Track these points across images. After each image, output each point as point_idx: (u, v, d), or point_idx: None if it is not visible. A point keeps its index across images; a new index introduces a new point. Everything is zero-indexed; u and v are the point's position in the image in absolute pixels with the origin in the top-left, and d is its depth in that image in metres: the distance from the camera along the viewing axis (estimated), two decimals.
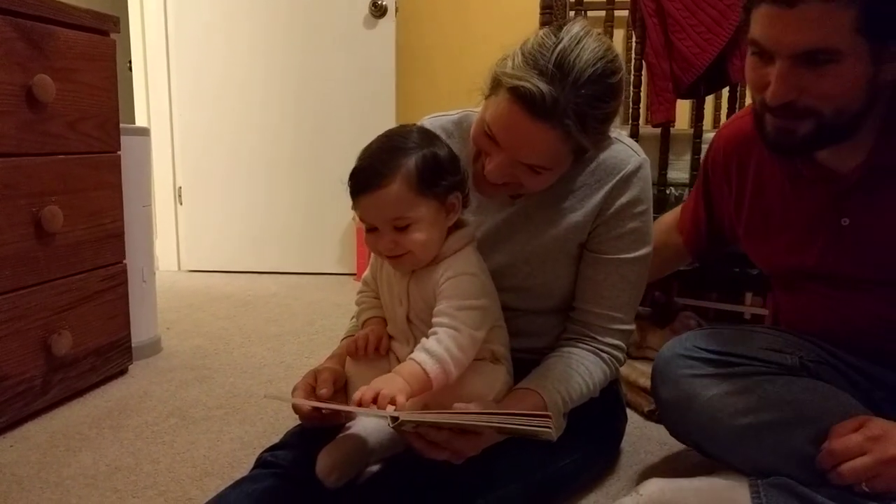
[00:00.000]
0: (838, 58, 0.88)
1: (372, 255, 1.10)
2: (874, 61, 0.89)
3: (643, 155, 1.10)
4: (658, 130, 1.90)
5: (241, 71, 2.81)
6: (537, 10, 1.87)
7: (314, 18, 2.75)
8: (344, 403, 0.98)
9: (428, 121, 1.16)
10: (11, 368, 1.37)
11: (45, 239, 1.43)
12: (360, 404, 0.83)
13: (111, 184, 1.62)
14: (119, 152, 1.65)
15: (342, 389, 1.02)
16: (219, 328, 2.11)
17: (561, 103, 0.91)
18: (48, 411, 1.46)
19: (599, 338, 1.08)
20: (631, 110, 1.93)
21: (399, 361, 0.97)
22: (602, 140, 1.05)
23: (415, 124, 1.08)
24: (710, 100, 2.49)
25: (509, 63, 0.95)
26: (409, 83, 2.99)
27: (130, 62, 2.86)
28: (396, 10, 2.73)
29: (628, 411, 1.32)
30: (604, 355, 1.08)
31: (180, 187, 2.93)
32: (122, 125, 1.66)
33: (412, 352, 0.92)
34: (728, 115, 1.80)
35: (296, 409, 0.98)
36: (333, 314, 2.28)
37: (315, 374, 1.02)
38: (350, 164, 0.98)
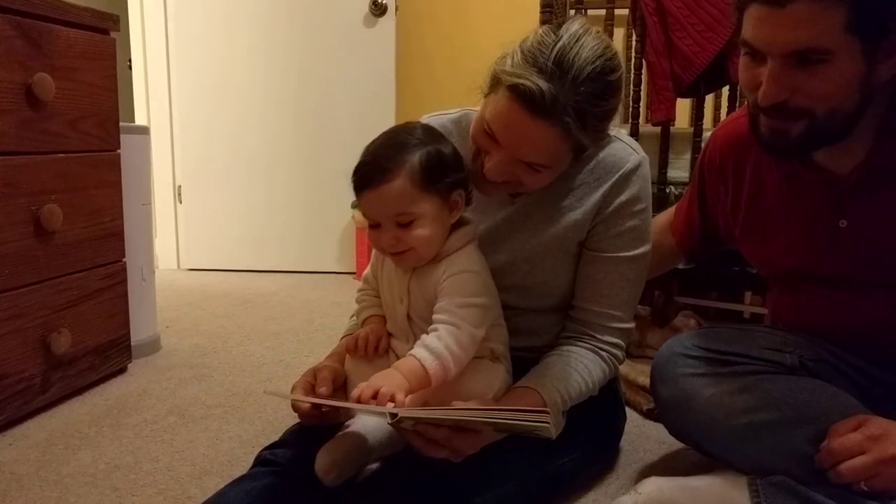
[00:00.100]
0: (830, 57, 0.87)
1: (373, 252, 1.10)
2: (867, 60, 0.88)
3: (642, 153, 1.10)
4: (658, 129, 1.90)
5: (240, 70, 2.81)
6: (537, 9, 1.87)
7: (314, 17, 2.75)
8: (343, 401, 0.98)
9: (427, 120, 1.16)
10: (11, 367, 1.37)
11: (45, 237, 1.43)
12: (359, 401, 0.83)
13: (111, 182, 1.62)
14: (119, 151, 1.65)
15: (341, 387, 1.02)
16: (218, 327, 2.11)
17: (560, 101, 0.91)
18: (47, 410, 1.46)
19: (599, 336, 1.08)
20: (631, 109, 1.93)
21: (398, 359, 0.97)
22: (601, 138, 1.05)
23: (419, 121, 1.08)
24: (710, 99, 2.49)
25: (508, 61, 0.95)
26: (409, 82, 2.99)
27: (130, 61, 2.86)
28: (396, 9, 2.73)
29: (627, 410, 1.32)
30: (603, 354, 1.08)
31: (180, 186, 2.93)
32: (121, 124, 1.66)
33: (412, 349, 0.92)
34: (728, 114, 1.80)
35: (295, 407, 0.98)
36: (332, 313, 2.28)
37: (314, 373, 1.02)
38: (350, 162, 0.98)
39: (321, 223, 2.89)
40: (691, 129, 1.91)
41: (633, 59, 1.96)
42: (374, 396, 0.83)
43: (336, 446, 0.94)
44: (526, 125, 0.93)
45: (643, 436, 1.36)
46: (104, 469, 1.22)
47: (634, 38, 1.99)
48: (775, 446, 0.97)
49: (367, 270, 1.12)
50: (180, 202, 2.94)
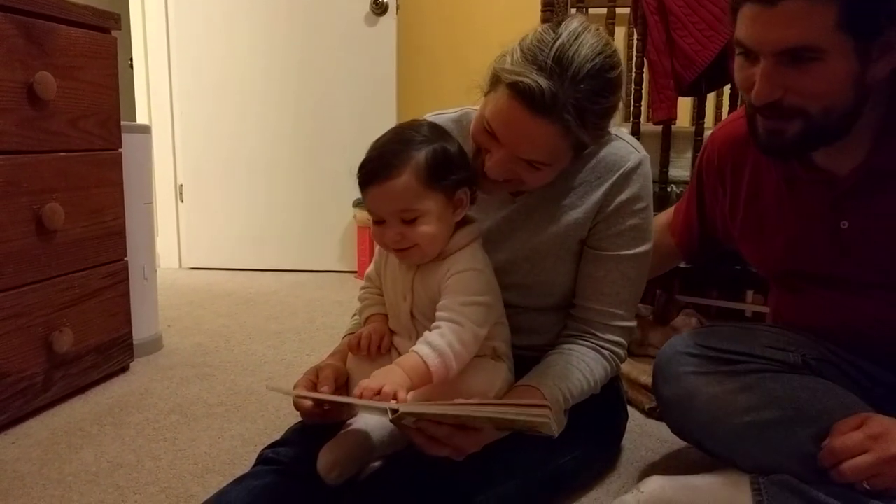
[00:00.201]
0: (822, 55, 0.87)
1: (377, 250, 1.10)
2: (860, 59, 0.88)
3: (643, 151, 1.10)
4: (659, 128, 1.90)
5: (242, 69, 2.81)
6: (538, 8, 1.86)
7: (315, 16, 2.75)
8: (344, 406, 0.98)
9: (427, 119, 1.16)
10: (13, 365, 1.37)
11: (47, 236, 1.43)
12: (361, 398, 0.84)
13: (112, 181, 1.62)
14: (120, 150, 1.65)
15: (343, 386, 1.02)
16: (220, 325, 2.11)
17: (560, 98, 0.91)
18: (50, 408, 1.47)
19: (600, 334, 1.08)
20: (632, 108, 1.93)
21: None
22: (601, 135, 1.05)
23: (425, 119, 1.08)
24: (711, 97, 2.49)
25: (508, 59, 0.95)
26: (410, 81, 2.99)
27: (132, 60, 2.86)
28: (398, 8, 2.73)
29: (629, 409, 1.32)
30: (604, 352, 1.08)
31: (181, 185, 2.93)
32: (123, 123, 1.66)
33: (414, 346, 0.92)
34: (729, 113, 1.80)
35: (297, 406, 0.98)
36: (334, 312, 2.28)
37: (317, 371, 1.02)
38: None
39: (323, 222, 2.89)
40: (693, 128, 1.91)
41: (634, 58, 1.95)
42: (377, 395, 0.83)
43: (338, 445, 0.94)
44: (526, 123, 0.93)
45: (645, 434, 1.36)
46: (106, 467, 1.22)
47: (636, 36, 1.99)
48: (778, 445, 0.96)
49: (371, 268, 1.12)
50: (182, 201, 2.94)
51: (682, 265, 1.48)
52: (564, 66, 0.91)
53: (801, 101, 0.91)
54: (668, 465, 1.24)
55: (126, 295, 1.69)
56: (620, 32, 2.71)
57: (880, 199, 0.99)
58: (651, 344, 1.71)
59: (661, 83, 1.84)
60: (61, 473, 1.20)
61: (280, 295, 2.52)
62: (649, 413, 1.45)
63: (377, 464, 1.02)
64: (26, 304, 1.40)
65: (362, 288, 1.13)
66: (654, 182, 1.75)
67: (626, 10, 2.28)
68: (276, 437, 1.05)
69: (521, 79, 0.91)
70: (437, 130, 1.00)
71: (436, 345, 0.90)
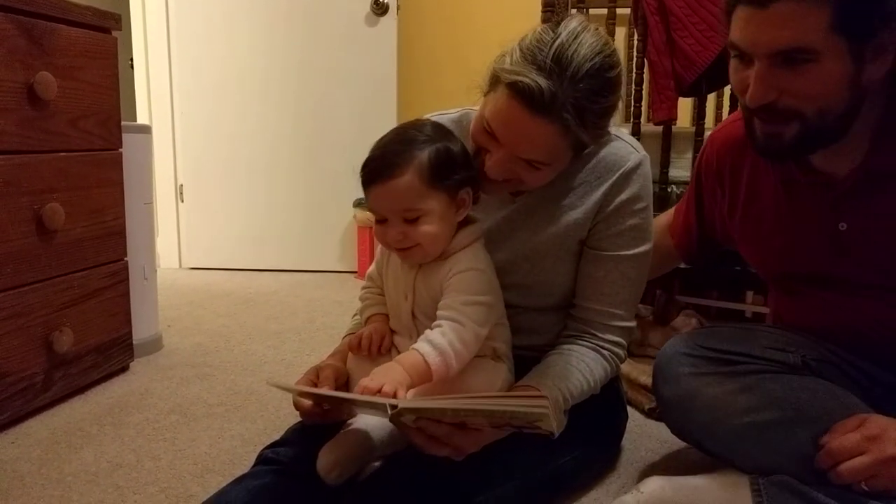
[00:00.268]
0: (815, 57, 0.87)
1: (378, 249, 1.10)
2: (854, 60, 0.88)
3: (643, 152, 1.10)
4: (660, 128, 1.90)
5: (242, 69, 2.81)
6: (539, 8, 1.87)
7: (316, 16, 2.75)
8: (344, 406, 0.98)
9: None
10: (13, 365, 1.37)
11: (47, 236, 1.43)
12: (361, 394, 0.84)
13: (113, 181, 1.62)
14: (120, 150, 1.65)
15: (343, 386, 1.02)
16: (220, 325, 2.11)
17: (559, 98, 0.91)
18: (49, 408, 1.47)
19: (600, 334, 1.08)
20: (632, 108, 1.93)
21: None
22: (601, 135, 1.05)
23: (429, 118, 1.08)
24: (711, 98, 2.49)
25: (507, 59, 0.95)
26: (410, 82, 2.99)
27: (132, 60, 2.86)
28: (398, 8, 2.73)
29: (629, 409, 1.32)
30: (604, 352, 1.08)
31: (182, 185, 2.93)
32: (123, 123, 1.66)
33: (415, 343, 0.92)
34: (730, 114, 1.80)
35: (297, 405, 0.98)
36: (334, 312, 2.28)
37: (317, 371, 1.02)
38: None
39: (323, 222, 2.89)
40: (693, 129, 1.91)
41: (634, 59, 1.96)
42: (377, 394, 0.83)
43: (338, 445, 0.94)
44: (525, 122, 0.93)
45: (645, 435, 1.36)
46: (106, 467, 1.22)
47: (636, 36, 1.99)
48: (777, 446, 0.96)
49: (372, 268, 1.12)
50: (182, 201, 2.94)
51: (682, 266, 1.48)
52: (563, 65, 0.91)
53: (796, 103, 0.91)
54: (668, 466, 1.24)
55: (126, 295, 1.69)
56: (621, 33, 2.71)
57: (878, 201, 0.99)
58: (651, 344, 1.71)
59: (662, 84, 1.84)
60: (61, 473, 1.20)
61: (280, 295, 2.52)
62: (649, 413, 1.45)
63: (377, 464, 1.02)
64: (26, 303, 1.40)
65: (363, 287, 1.13)
66: (654, 183, 1.75)
67: (627, 11, 2.28)
68: (276, 437, 1.05)
69: (520, 78, 0.91)
70: (440, 130, 1.00)
71: (437, 343, 0.90)
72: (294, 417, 1.04)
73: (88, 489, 1.14)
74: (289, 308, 2.34)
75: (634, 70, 1.94)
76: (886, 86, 0.95)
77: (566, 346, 1.08)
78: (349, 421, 1.00)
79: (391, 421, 0.86)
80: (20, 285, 1.38)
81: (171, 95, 2.86)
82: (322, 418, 0.97)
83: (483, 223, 1.07)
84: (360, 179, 0.97)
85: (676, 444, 1.22)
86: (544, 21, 1.82)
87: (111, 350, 1.64)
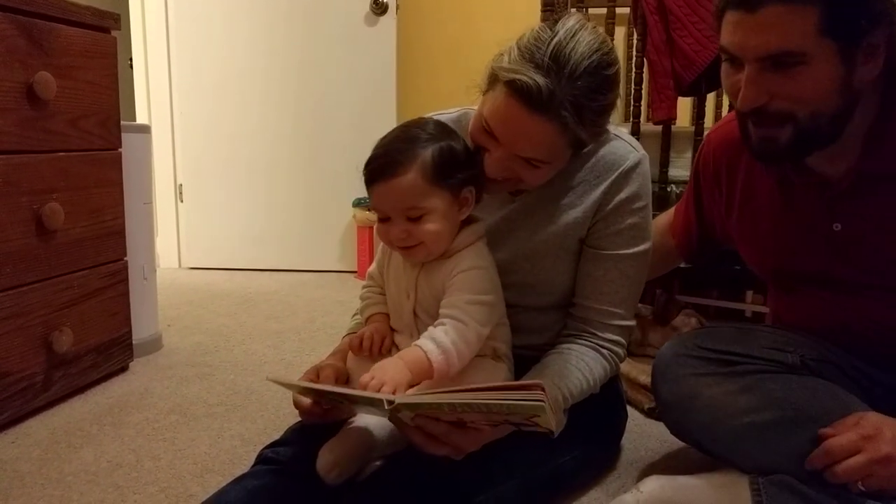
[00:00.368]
0: (805, 60, 0.88)
1: (379, 248, 1.10)
2: (845, 62, 0.88)
3: (642, 151, 1.10)
4: (659, 128, 1.90)
5: (241, 69, 2.81)
6: (538, 8, 1.87)
7: (315, 16, 2.75)
8: (344, 404, 0.98)
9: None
10: (13, 365, 1.37)
11: (46, 236, 1.43)
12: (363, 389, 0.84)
13: (112, 181, 1.62)
14: (120, 150, 1.65)
15: (344, 386, 1.02)
16: (219, 325, 2.11)
17: (557, 95, 0.91)
18: (49, 408, 1.47)
19: (599, 333, 1.08)
20: (632, 108, 1.93)
21: None
22: (600, 133, 1.05)
23: (431, 117, 1.08)
24: (711, 97, 2.49)
25: (505, 58, 0.95)
26: (410, 81, 2.99)
27: (131, 59, 2.86)
28: (397, 8, 2.73)
29: (629, 408, 1.32)
30: (604, 351, 1.08)
31: (181, 184, 2.93)
32: (122, 122, 1.66)
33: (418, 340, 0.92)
34: (729, 113, 1.80)
35: (297, 404, 0.98)
36: (334, 311, 2.28)
37: (317, 371, 1.02)
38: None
39: (323, 222, 2.89)
40: (692, 128, 1.91)
41: (634, 58, 1.96)
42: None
43: (338, 445, 0.94)
44: (523, 120, 0.93)
45: (645, 434, 1.36)
46: (106, 467, 1.22)
47: (635, 36, 1.99)
48: (777, 446, 0.96)
49: (373, 266, 1.12)
50: (181, 201, 2.94)
51: (683, 265, 1.48)
52: (561, 63, 0.91)
53: (788, 106, 0.92)
54: (668, 465, 1.24)
55: (126, 295, 1.69)
56: (620, 32, 2.71)
57: (872, 202, 1.00)
58: (651, 344, 1.71)
59: (661, 83, 1.84)
60: (61, 473, 1.20)
61: (280, 295, 2.52)
62: (649, 413, 1.45)
63: (377, 464, 1.02)
64: (26, 303, 1.40)
65: (364, 286, 1.13)
66: (653, 182, 1.75)
67: (626, 10, 2.28)
68: (276, 436, 1.05)
69: (518, 77, 0.91)
70: (443, 128, 1.00)
71: (440, 341, 0.91)
72: (294, 417, 1.04)
73: (88, 489, 1.14)
74: (289, 308, 2.34)
75: (634, 69, 1.94)
76: (879, 87, 0.95)
77: (565, 346, 1.08)
78: (349, 421, 1.00)
79: (390, 419, 0.86)
80: (20, 285, 1.38)
81: (171, 95, 2.86)
82: (322, 418, 0.97)
83: (485, 222, 1.07)
84: (362, 178, 0.97)
85: (676, 443, 1.22)
86: (543, 21, 1.82)
87: (111, 350, 1.64)
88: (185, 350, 1.87)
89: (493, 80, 0.97)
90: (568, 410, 1.02)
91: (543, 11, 1.85)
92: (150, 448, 1.29)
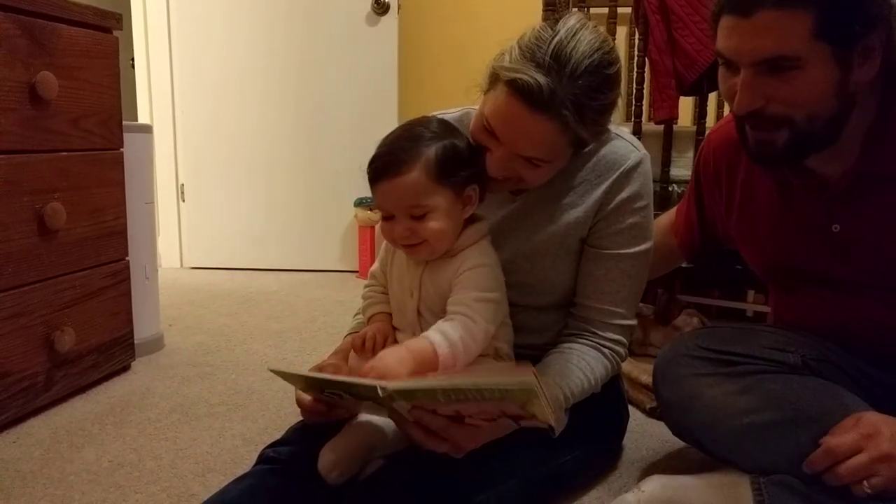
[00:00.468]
0: (800, 64, 0.88)
1: (383, 247, 1.10)
2: (840, 65, 0.89)
3: (643, 150, 1.10)
4: (661, 127, 1.90)
5: (243, 69, 2.81)
6: (539, 8, 1.87)
7: (316, 16, 2.75)
8: (345, 401, 0.97)
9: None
10: (14, 365, 1.37)
11: (48, 236, 1.44)
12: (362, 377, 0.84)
13: (114, 181, 1.63)
14: (122, 149, 1.65)
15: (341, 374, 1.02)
16: (221, 325, 2.12)
17: (558, 94, 0.91)
18: (51, 408, 1.47)
19: (600, 333, 1.08)
20: (633, 107, 1.93)
21: None
22: (601, 132, 1.04)
23: (435, 116, 1.08)
24: (712, 97, 2.48)
25: (506, 57, 0.95)
26: (411, 81, 2.99)
27: (133, 59, 2.86)
28: (399, 8, 2.73)
29: (630, 408, 1.32)
30: (605, 350, 1.08)
31: (183, 184, 2.93)
32: (124, 122, 1.66)
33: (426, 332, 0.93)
34: (729, 113, 1.80)
35: (299, 402, 0.98)
36: (335, 311, 2.28)
37: (319, 369, 1.02)
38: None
39: (324, 221, 2.89)
40: (694, 128, 1.91)
41: (635, 57, 1.96)
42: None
43: (339, 444, 0.94)
44: (524, 119, 0.93)
45: (646, 434, 1.36)
46: (108, 467, 1.22)
47: (637, 35, 1.99)
48: (778, 446, 0.96)
49: (375, 265, 1.12)
50: (183, 200, 2.94)
51: (684, 265, 1.48)
52: (562, 62, 0.92)
53: (784, 110, 0.92)
54: (669, 465, 1.24)
55: (127, 294, 1.69)
56: (622, 32, 2.71)
57: (871, 203, 1.00)
58: (652, 343, 1.72)
59: (663, 82, 1.84)
60: (63, 473, 1.20)
61: (281, 294, 2.53)
62: (650, 412, 1.44)
63: (378, 463, 1.02)
64: (28, 303, 1.40)
65: (366, 286, 1.13)
66: (655, 182, 1.75)
67: (628, 10, 2.28)
68: (277, 436, 1.05)
69: (519, 76, 0.92)
70: (446, 127, 1.01)
71: (448, 335, 0.91)
72: (295, 417, 1.04)
73: (90, 488, 1.14)
74: (290, 307, 2.34)
75: (635, 69, 1.94)
76: (877, 89, 0.95)
77: (567, 345, 1.08)
78: (350, 420, 1.00)
79: (389, 415, 0.86)
80: (21, 285, 1.38)
81: (172, 95, 2.87)
82: (323, 417, 0.97)
83: (488, 221, 1.07)
84: (365, 177, 0.98)
85: (677, 443, 1.21)
86: (545, 20, 1.82)
87: (112, 349, 1.64)
88: (187, 350, 1.87)
89: (494, 79, 0.97)
90: (569, 410, 1.02)
91: (545, 11, 1.85)
92: (151, 447, 1.29)
